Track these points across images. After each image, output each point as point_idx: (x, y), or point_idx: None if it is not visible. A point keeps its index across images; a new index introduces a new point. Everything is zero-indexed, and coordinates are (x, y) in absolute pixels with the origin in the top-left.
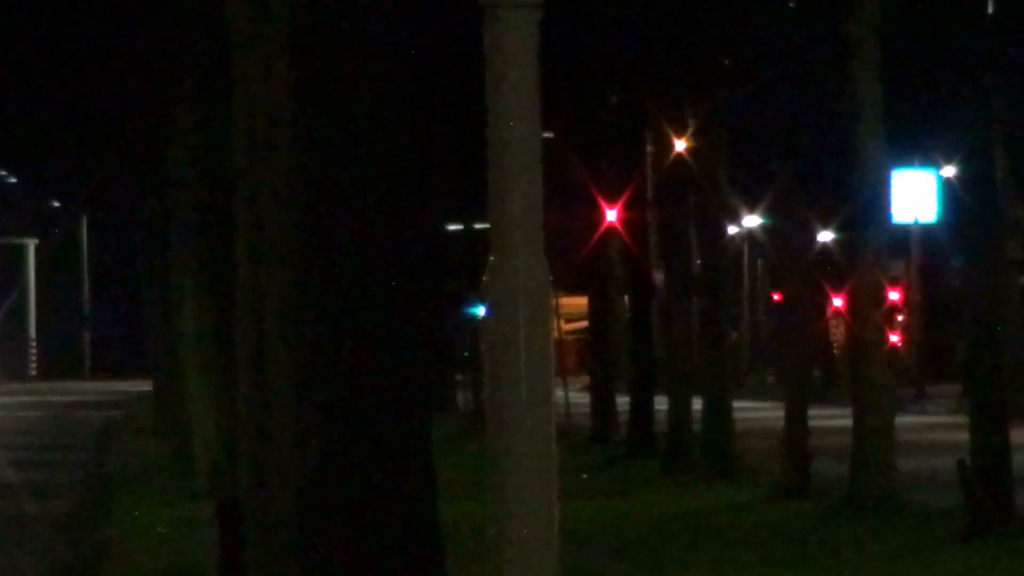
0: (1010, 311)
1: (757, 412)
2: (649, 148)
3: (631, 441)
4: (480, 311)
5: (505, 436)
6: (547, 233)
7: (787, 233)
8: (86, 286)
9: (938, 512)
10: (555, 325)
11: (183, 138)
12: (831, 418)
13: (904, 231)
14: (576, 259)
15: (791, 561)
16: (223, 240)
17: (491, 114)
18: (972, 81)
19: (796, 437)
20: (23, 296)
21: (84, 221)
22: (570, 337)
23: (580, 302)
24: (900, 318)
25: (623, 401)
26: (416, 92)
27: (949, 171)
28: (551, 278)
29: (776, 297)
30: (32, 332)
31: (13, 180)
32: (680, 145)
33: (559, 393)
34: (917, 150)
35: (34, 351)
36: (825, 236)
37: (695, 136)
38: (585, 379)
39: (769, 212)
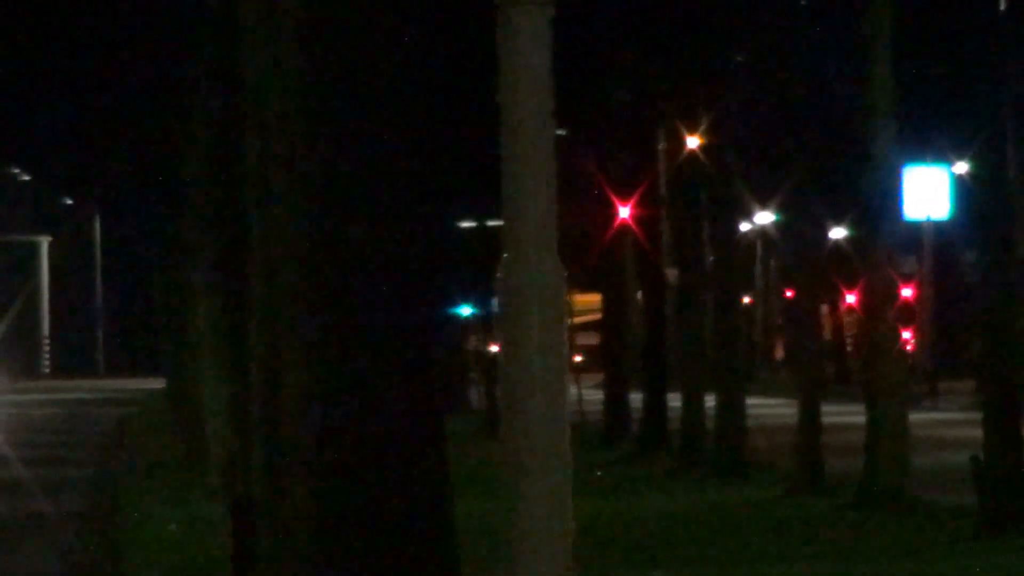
0: (1023, 307)
1: (770, 408)
2: (662, 145)
3: (644, 438)
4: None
5: (519, 433)
6: (560, 230)
7: (799, 230)
8: (99, 284)
9: (951, 508)
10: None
11: (195, 136)
12: (844, 415)
13: (916, 228)
14: (589, 257)
15: (804, 556)
16: (236, 239)
17: (504, 112)
18: (984, 77)
19: (809, 434)
20: (36, 294)
21: (97, 219)
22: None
23: (593, 299)
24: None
25: (636, 398)
26: (428, 88)
27: (961, 167)
28: (565, 275)
29: (789, 294)
30: (45, 330)
31: (26, 178)
32: (693, 142)
33: (572, 390)
34: (929, 146)
35: (47, 349)
36: (838, 233)
37: (707, 133)
38: (599, 376)
39: (782, 209)
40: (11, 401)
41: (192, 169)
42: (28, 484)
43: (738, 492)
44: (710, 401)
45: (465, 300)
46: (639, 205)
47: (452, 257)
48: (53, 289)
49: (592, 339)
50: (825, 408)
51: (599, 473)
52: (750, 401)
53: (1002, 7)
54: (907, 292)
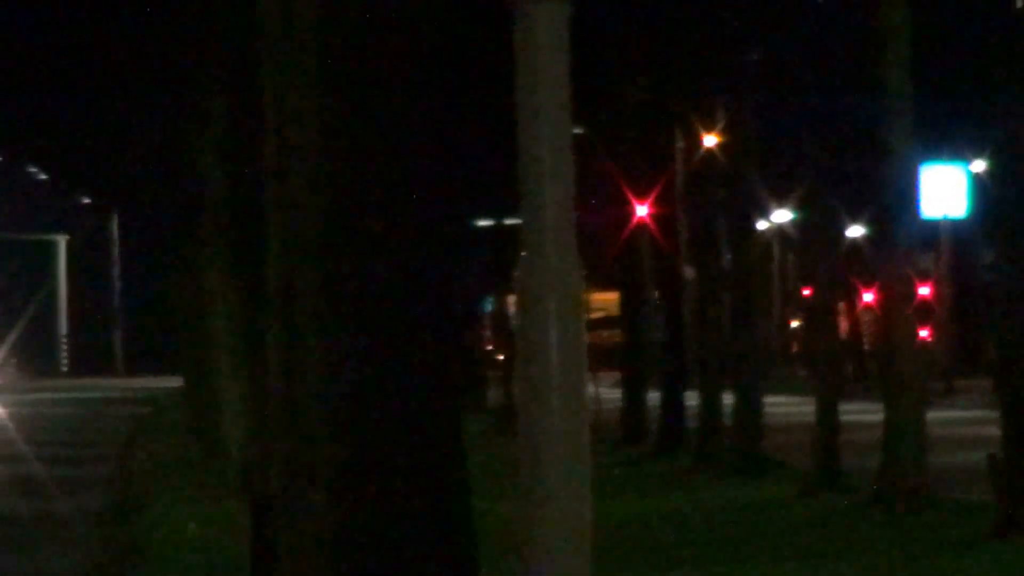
0: None
1: (788, 407)
2: (679, 144)
3: (662, 437)
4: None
5: (537, 433)
6: (578, 229)
7: (816, 228)
8: (117, 283)
9: (969, 507)
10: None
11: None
12: (862, 413)
13: (934, 226)
14: (607, 255)
15: (822, 555)
16: (253, 237)
17: (521, 110)
18: (1002, 74)
19: (827, 432)
20: (54, 293)
21: (115, 217)
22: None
23: (611, 298)
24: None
25: (654, 396)
26: (445, 86)
27: (979, 166)
28: (584, 273)
29: (806, 292)
30: (63, 329)
31: (44, 176)
32: (709, 140)
33: (590, 389)
34: (947, 144)
35: (65, 348)
36: (855, 231)
37: (724, 131)
38: (616, 374)
39: (798, 207)
40: (29, 400)
41: (208, 168)
42: (46, 483)
43: (756, 490)
44: (728, 399)
45: (483, 298)
46: (656, 204)
47: (470, 255)
48: (71, 288)
49: (602, 337)
50: (843, 407)
51: (617, 472)
52: (767, 399)
53: (1019, 4)
54: (925, 290)
